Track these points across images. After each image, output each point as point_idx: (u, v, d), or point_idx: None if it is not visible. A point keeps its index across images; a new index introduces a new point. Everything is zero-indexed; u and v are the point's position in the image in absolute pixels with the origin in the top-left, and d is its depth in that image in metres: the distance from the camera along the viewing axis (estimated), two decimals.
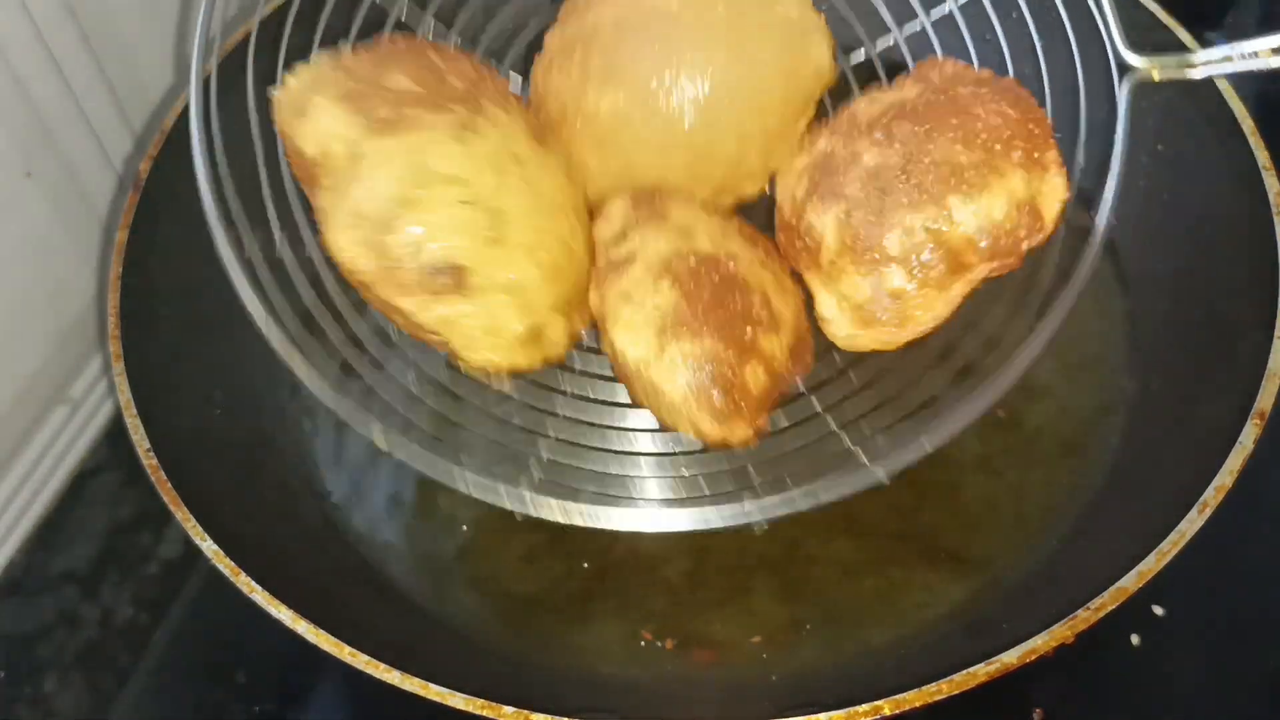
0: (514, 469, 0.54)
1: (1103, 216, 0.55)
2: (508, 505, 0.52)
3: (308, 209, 0.55)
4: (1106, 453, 0.67)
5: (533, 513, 0.52)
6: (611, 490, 0.55)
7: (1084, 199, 0.56)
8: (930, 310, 0.53)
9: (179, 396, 0.64)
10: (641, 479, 0.56)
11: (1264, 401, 0.56)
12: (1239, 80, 0.67)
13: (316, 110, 0.52)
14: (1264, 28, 0.81)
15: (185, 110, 0.68)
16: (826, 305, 0.55)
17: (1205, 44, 0.68)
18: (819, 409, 0.56)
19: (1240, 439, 0.55)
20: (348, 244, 0.51)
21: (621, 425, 0.58)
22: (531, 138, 0.55)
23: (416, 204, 0.50)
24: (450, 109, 0.52)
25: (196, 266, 0.69)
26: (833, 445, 0.55)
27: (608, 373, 0.58)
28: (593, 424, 0.57)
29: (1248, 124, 0.64)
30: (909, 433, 0.53)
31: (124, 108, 0.75)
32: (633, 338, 0.52)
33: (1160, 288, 0.70)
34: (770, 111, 0.58)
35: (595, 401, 0.58)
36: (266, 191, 0.55)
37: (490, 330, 0.52)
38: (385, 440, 0.52)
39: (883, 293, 0.53)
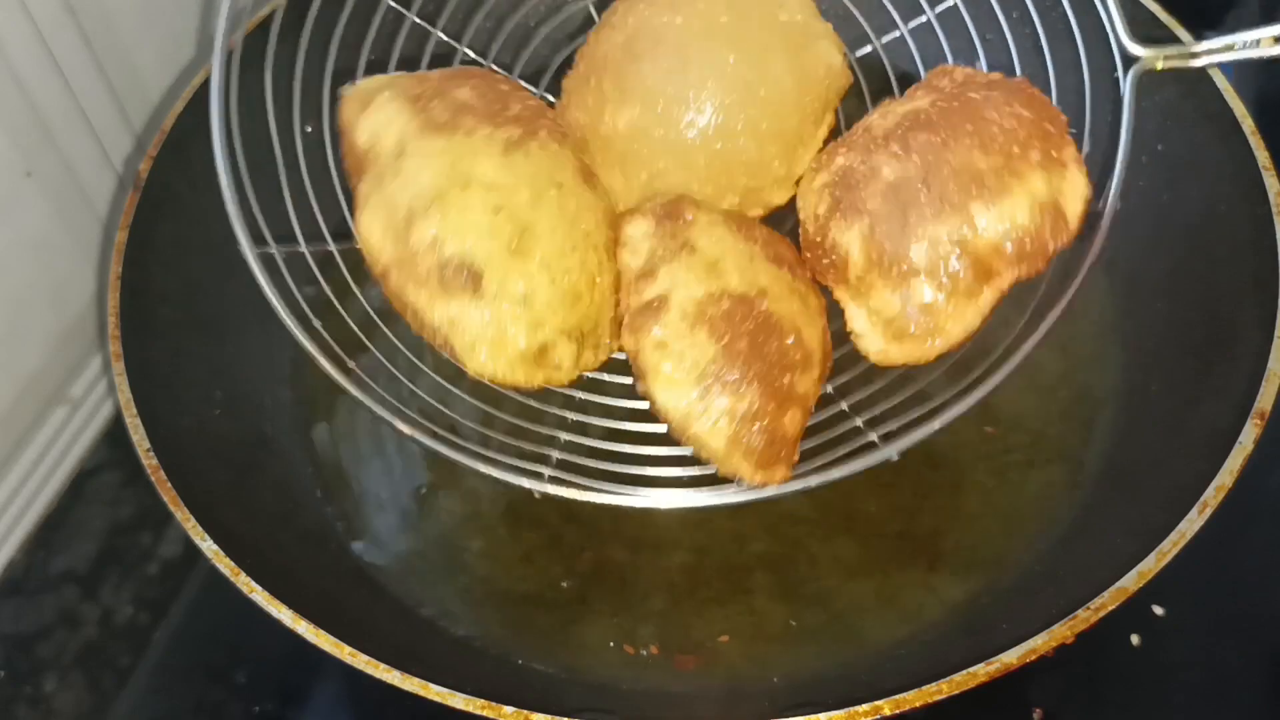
0: (533, 456, 0.56)
1: (1109, 204, 0.55)
2: (525, 484, 0.55)
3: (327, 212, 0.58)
4: (1106, 453, 0.67)
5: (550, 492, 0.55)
6: (627, 472, 0.56)
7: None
8: (961, 321, 0.53)
9: (179, 396, 0.64)
10: (655, 463, 0.57)
11: (1264, 401, 0.56)
12: (1239, 80, 0.67)
13: (380, 103, 0.55)
14: (1264, 27, 0.82)
15: (187, 106, 0.69)
16: (858, 320, 0.56)
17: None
18: (830, 392, 0.58)
19: (1240, 439, 0.55)
20: (374, 228, 0.53)
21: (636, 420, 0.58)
22: (580, 175, 0.56)
23: (446, 201, 0.52)
24: (505, 127, 0.54)
25: (196, 266, 0.69)
26: (844, 426, 0.56)
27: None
28: (608, 424, 0.58)
29: (1248, 124, 0.64)
30: (917, 415, 0.54)
31: (124, 108, 0.75)
32: (674, 394, 0.53)
33: (1160, 288, 0.70)
34: (786, 112, 0.58)
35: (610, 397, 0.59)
36: (286, 192, 0.58)
37: (494, 339, 0.53)
38: (409, 428, 0.54)
39: (913, 306, 0.53)
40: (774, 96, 0.58)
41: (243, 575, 0.53)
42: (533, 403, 0.57)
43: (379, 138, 0.55)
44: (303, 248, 0.58)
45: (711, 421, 0.52)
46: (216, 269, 0.70)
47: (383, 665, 0.51)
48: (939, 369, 0.56)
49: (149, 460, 0.57)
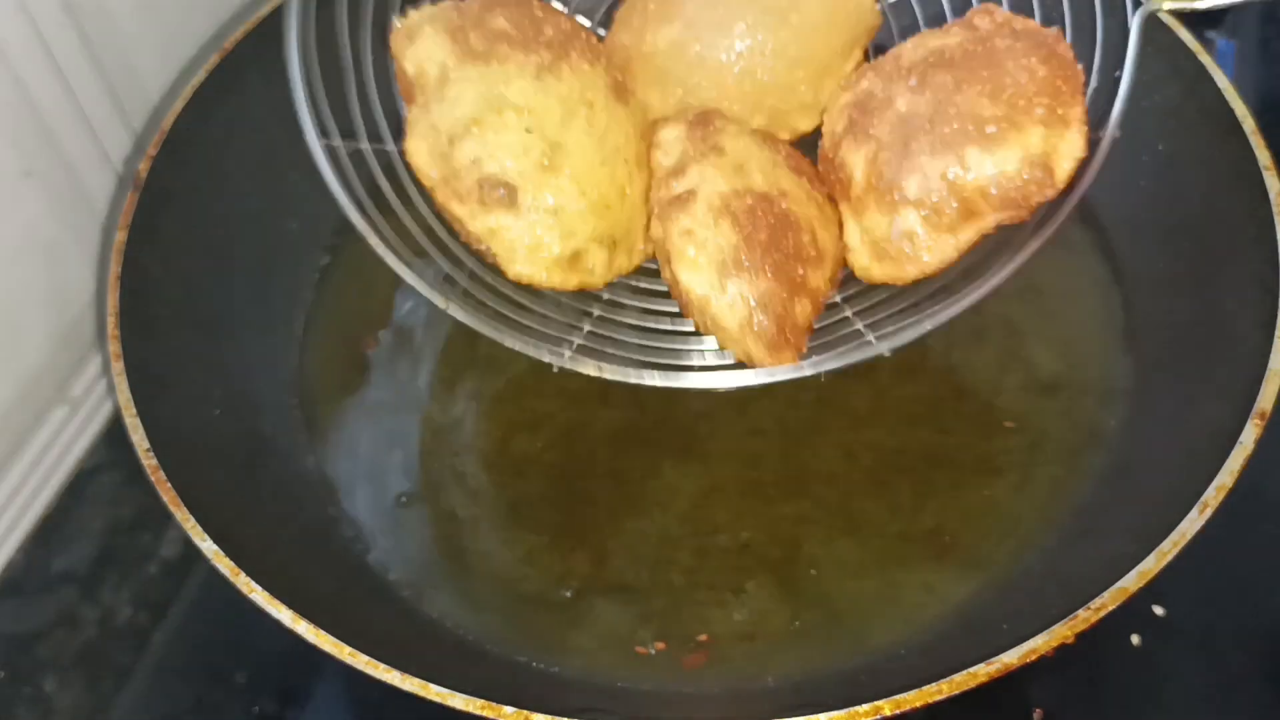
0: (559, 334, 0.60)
1: (1108, 133, 0.57)
2: (547, 358, 0.58)
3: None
4: (1107, 452, 0.67)
5: (568, 365, 0.58)
6: (648, 356, 0.60)
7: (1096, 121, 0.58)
8: (939, 252, 0.57)
9: (179, 396, 0.64)
10: (674, 349, 0.61)
11: (1264, 401, 0.56)
12: (1240, 80, 0.67)
13: (423, 37, 0.60)
14: (1265, 26, 0.82)
15: (187, 105, 0.69)
16: (852, 235, 0.60)
17: (1205, 42, 0.68)
18: (838, 301, 0.62)
19: (1240, 439, 0.55)
20: (421, 151, 0.59)
21: (663, 309, 0.63)
22: (610, 93, 0.61)
23: (484, 125, 0.58)
24: (537, 52, 0.60)
25: (196, 266, 0.69)
26: (843, 327, 0.61)
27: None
28: (635, 306, 0.63)
29: (1248, 124, 0.64)
30: (911, 317, 0.58)
31: (124, 108, 0.75)
32: (697, 276, 0.57)
33: (1161, 288, 0.70)
34: (815, 41, 0.63)
35: (642, 291, 0.64)
36: (352, 90, 0.62)
37: (531, 247, 0.58)
38: (444, 301, 0.58)
39: (898, 231, 0.57)
40: (804, 24, 0.63)
41: (243, 575, 0.53)
42: (563, 299, 0.61)
43: (424, 68, 0.60)
44: (364, 145, 0.61)
45: (729, 303, 0.57)
46: (216, 269, 0.70)
47: (383, 665, 0.51)
48: (933, 286, 0.59)
49: (149, 460, 0.57)
